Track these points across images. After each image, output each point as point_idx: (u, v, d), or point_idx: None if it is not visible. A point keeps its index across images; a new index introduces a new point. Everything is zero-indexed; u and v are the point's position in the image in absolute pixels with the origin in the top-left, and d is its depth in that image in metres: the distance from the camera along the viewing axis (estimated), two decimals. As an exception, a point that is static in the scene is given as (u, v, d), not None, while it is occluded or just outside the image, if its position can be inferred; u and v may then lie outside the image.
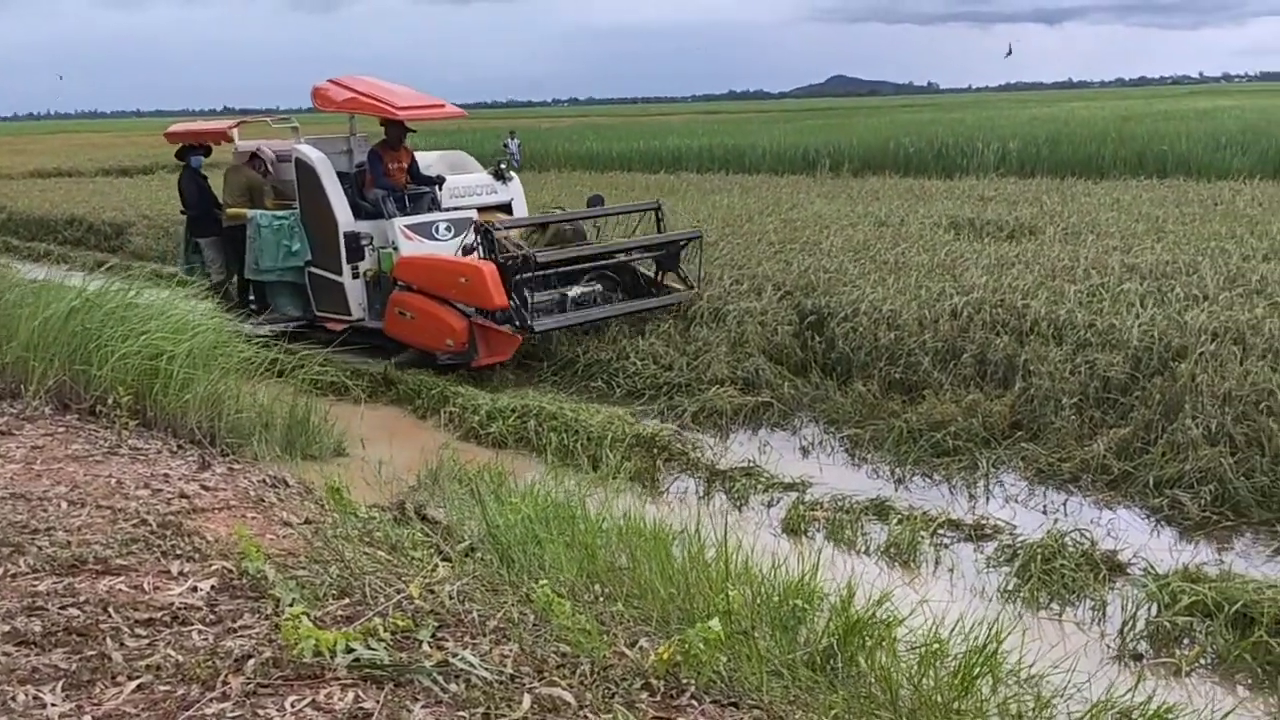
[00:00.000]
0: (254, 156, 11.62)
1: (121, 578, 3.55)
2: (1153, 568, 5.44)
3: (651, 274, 10.83)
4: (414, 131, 11.39)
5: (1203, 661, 4.63)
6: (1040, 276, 10.01)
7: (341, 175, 10.88)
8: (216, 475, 5.18)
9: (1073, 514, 6.37)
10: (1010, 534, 6.04)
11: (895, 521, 6.19)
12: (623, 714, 2.79)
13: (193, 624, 3.20)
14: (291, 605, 3.15)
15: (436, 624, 3.29)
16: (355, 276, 10.60)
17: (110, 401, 5.81)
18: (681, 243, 10.80)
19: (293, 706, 2.72)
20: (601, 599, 4.06)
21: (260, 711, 2.70)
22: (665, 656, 3.12)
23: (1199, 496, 6.21)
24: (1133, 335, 7.92)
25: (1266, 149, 20.94)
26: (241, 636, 3.10)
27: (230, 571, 3.61)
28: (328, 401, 8.42)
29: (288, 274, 10.88)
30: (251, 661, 2.92)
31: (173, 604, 3.33)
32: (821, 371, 8.95)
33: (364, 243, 10.52)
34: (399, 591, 3.51)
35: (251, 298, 11.64)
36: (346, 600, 3.44)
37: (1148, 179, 19.88)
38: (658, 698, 3.02)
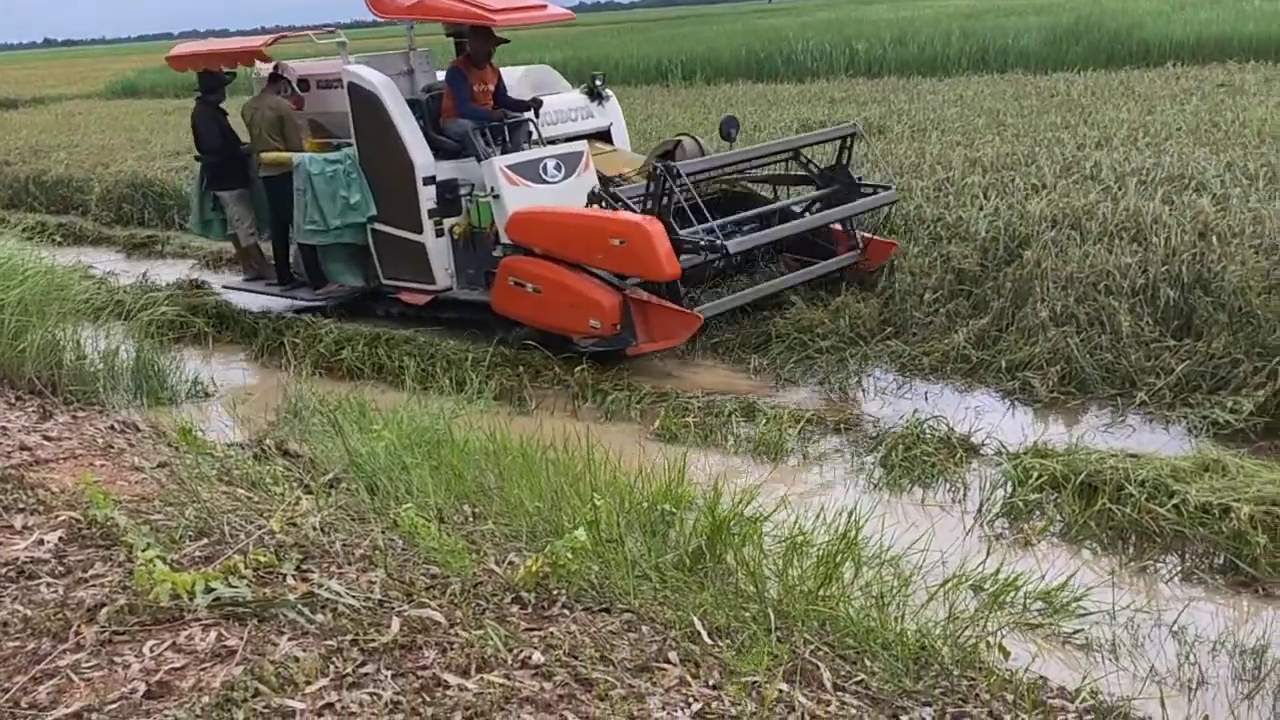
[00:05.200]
0: (275, 78, 9.15)
1: (-40, 537, 3.38)
2: (1005, 447, 5.68)
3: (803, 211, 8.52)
4: (507, 42, 9.01)
5: (1052, 530, 4.88)
6: (889, 174, 10.21)
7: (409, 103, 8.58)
8: (60, 425, 4.96)
9: (934, 403, 6.58)
10: (875, 425, 6.22)
11: (763, 422, 6.30)
12: (493, 628, 2.80)
13: (40, 577, 3.08)
14: (145, 550, 3.05)
15: (300, 557, 3.23)
16: (439, 234, 8.33)
17: (-63, 356, 5.49)
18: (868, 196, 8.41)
19: (151, 651, 2.64)
20: (471, 519, 4.05)
21: (117, 659, 2.62)
22: (534, 569, 3.13)
23: (1047, 377, 6.48)
24: (981, 227, 8.18)
25: (1099, 40, 21.61)
26: (93, 586, 3.00)
27: (78, 521, 3.47)
28: (175, 341, 8.10)
29: (345, 234, 8.60)
30: (105, 610, 2.82)
31: (17, 559, 3.19)
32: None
33: (462, 192, 8.26)
34: (260, 528, 3.43)
35: (291, 263, 9.40)
36: (205, 541, 3.34)
37: (989, 74, 20.36)
38: (529, 610, 3.04)
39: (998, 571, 4.20)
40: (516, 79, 9.38)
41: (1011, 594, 4.12)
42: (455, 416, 5.51)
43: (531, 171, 8.01)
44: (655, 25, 54.02)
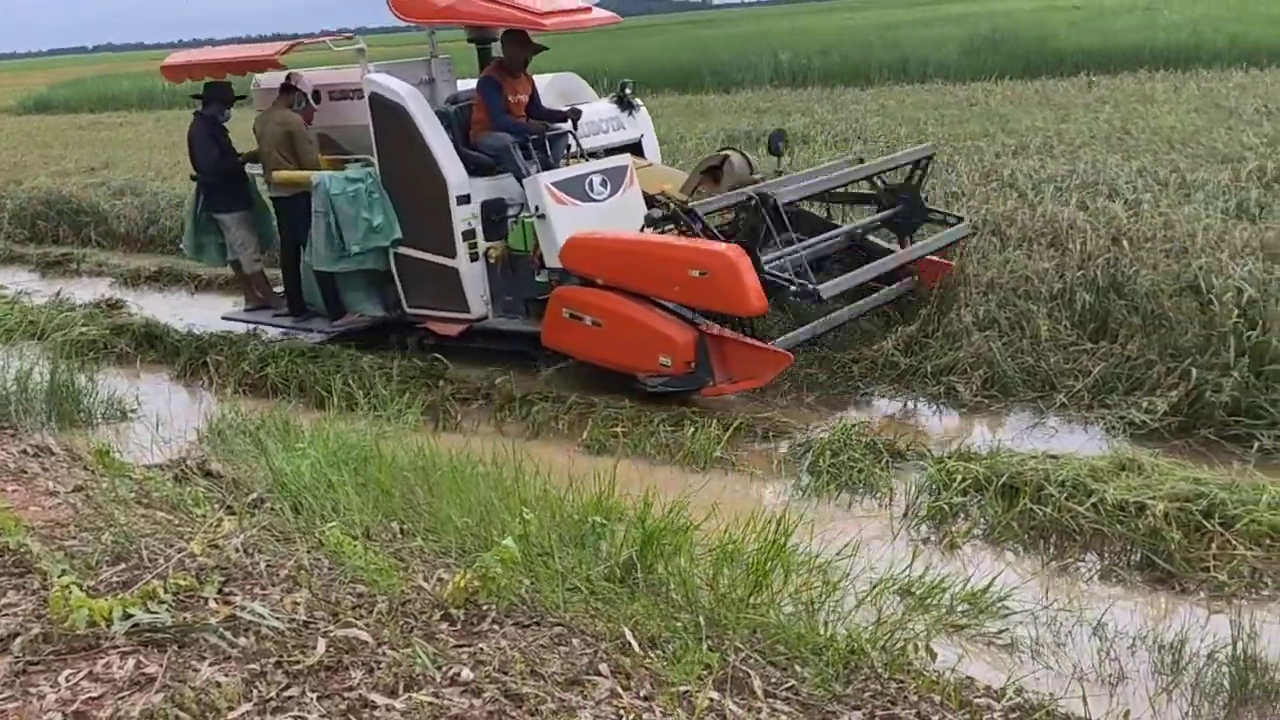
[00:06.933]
0: (288, 89, 8.41)
1: None
2: (930, 451, 5.76)
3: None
4: (546, 49, 8.12)
5: (976, 532, 4.96)
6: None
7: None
8: (-31, 450, 4.82)
9: (863, 409, 6.66)
10: (803, 432, 6.26)
11: (692, 431, 6.31)
12: (422, 646, 2.77)
13: (-50, 608, 2.98)
14: (60, 577, 2.97)
15: (222, 579, 3.18)
16: (474, 259, 7.65)
17: None
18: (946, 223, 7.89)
19: (68, 680, 2.58)
20: (399, 536, 4.01)
21: (32, 689, 2.56)
22: (462, 584, 3.11)
23: (971, 382, 6.59)
24: (904, 234, 8.29)
25: (1015, 50, 22.10)
26: (6, 615, 2.92)
27: (-11, 549, 3.37)
28: (94, 362, 7.91)
29: (367, 259, 7.86)
30: (19, 640, 2.75)
31: (-75, 590, 3.09)
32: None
33: (509, 213, 7.60)
34: (180, 551, 3.36)
35: (302, 291, 8.66)
36: (123, 566, 3.27)
37: (910, 84, 20.71)
38: (458, 626, 3.02)
39: (924, 574, 4.27)
40: (543, 88, 8.55)
41: (938, 596, 4.18)
42: (382, 435, 5.45)
43: (577, 189, 7.32)
44: (579, 36, 54.19)
